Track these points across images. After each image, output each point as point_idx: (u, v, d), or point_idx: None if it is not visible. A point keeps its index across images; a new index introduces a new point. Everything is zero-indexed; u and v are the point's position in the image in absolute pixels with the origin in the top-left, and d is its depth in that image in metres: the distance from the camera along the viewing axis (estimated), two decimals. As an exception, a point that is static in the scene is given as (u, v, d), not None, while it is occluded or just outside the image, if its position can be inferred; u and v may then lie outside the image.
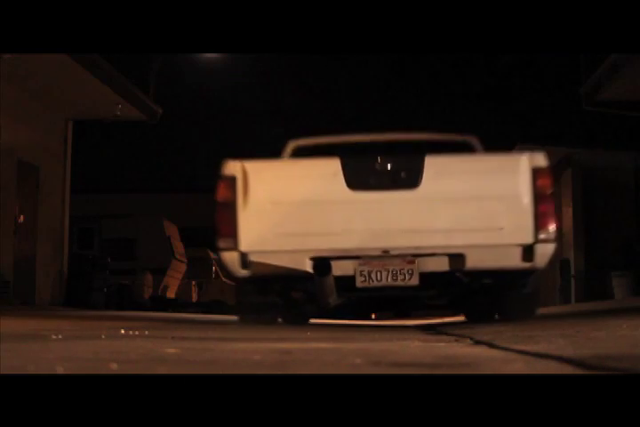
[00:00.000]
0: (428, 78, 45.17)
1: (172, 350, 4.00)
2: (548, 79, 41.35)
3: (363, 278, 7.21)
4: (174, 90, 35.95)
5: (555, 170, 23.72)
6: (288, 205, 7.28)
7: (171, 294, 25.05)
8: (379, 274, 7.17)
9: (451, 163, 7.38)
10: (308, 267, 7.19)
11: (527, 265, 7.18)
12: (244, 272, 7.30)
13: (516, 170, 7.21)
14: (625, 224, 21.22)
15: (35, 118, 17.22)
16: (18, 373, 2.68)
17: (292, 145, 9.10)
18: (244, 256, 7.26)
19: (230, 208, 7.26)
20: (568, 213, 22.37)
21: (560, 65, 34.74)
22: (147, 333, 6.21)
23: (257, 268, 7.22)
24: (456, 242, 7.15)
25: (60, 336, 5.22)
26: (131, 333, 6.12)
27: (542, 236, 7.14)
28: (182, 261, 25.70)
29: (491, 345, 4.39)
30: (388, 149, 8.25)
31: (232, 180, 7.28)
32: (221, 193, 7.37)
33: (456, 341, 5.30)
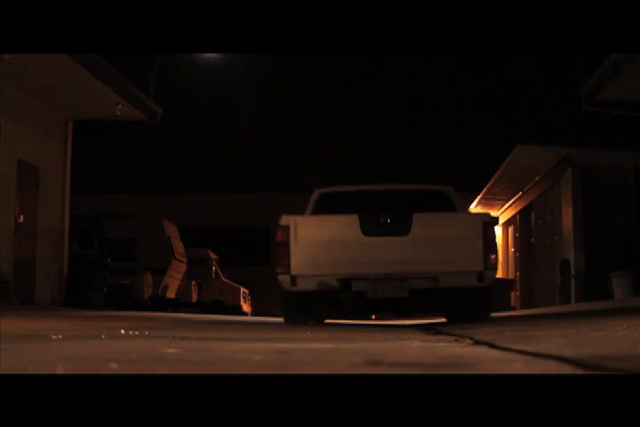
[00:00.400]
0: (429, 78, 45.18)
1: (171, 350, 4.00)
2: (548, 79, 41.34)
3: (372, 293, 10.62)
4: (174, 90, 35.95)
5: (554, 170, 23.74)
6: (322, 244, 10.71)
7: (171, 294, 25.05)
8: (382, 290, 10.61)
9: (430, 218, 10.94)
10: (335, 285, 10.60)
11: (480, 284, 10.64)
12: (293, 288, 10.65)
13: (473, 224, 10.80)
14: (625, 224, 21.22)
15: (35, 118, 17.22)
16: (18, 373, 2.68)
17: (317, 192, 12.11)
18: (293, 278, 10.65)
19: (285, 246, 10.69)
20: (568, 213, 22.38)
21: (560, 65, 34.74)
22: (147, 333, 6.22)
23: (301, 285, 10.65)
24: (433, 270, 10.61)
25: (60, 336, 5.22)
26: (131, 333, 6.12)
27: (488, 266, 10.64)
28: (182, 261, 25.69)
29: (491, 345, 4.39)
30: (388, 199, 11.82)
31: (286, 228, 10.71)
32: (279, 236, 10.75)
33: (456, 341, 5.30)
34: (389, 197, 11.95)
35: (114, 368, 2.93)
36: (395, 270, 10.63)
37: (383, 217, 10.76)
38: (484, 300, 10.88)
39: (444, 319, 11.71)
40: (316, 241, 10.72)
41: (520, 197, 29.33)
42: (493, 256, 10.75)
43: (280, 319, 11.43)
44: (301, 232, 10.70)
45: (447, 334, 6.65)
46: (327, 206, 11.66)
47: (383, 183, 12.76)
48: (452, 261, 10.61)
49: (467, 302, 10.85)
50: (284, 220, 10.73)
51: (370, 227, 10.74)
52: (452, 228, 10.80)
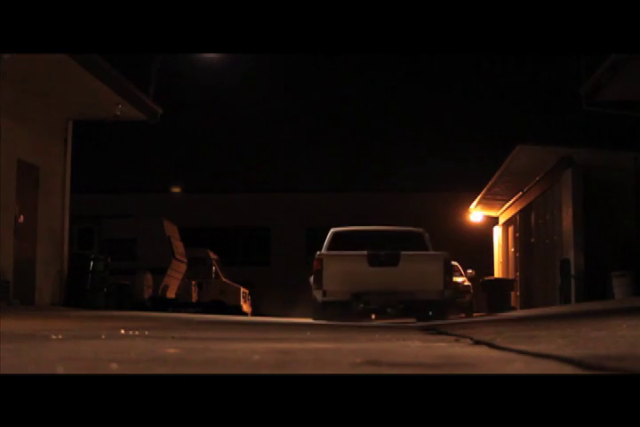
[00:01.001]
0: (429, 78, 45.18)
1: (171, 350, 4.01)
2: (548, 79, 41.35)
3: (373, 302, 16.73)
4: (174, 90, 35.95)
5: (554, 170, 23.73)
6: (343, 271, 16.59)
7: (171, 294, 25.05)
8: (380, 301, 16.71)
9: (411, 255, 16.78)
10: (350, 298, 16.60)
11: (440, 298, 16.47)
12: (324, 299, 16.50)
13: (437, 259, 16.75)
14: (625, 224, 21.21)
15: (35, 118, 17.22)
16: (18, 373, 2.69)
17: (332, 231, 18.07)
18: (324, 292, 16.52)
19: (319, 272, 16.60)
20: (568, 213, 22.38)
21: (560, 65, 34.73)
22: (147, 333, 6.22)
23: (329, 297, 16.48)
24: (411, 289, 16.44)
25: (59, 336, 5.22)
26: (131, 333, 6.12)
27: (447, 286, 16.57)
28: (182, 261, 25.68)
29: (491, 345, 4.39)
30: (382, 238, 17.97)
31: (320, 260, 16.68)
32: (315, 265, 16.65)
33: (456, 341, 5.30)
34: (382, 237, 18.23)
35: (114, 368, 2.93)
36: (388, 289, 16.54)
37: (382, 255, 16.75)
38: (443, 308, 16.90)
39: (414, 319, 16.88)
40: (339, 269, 16.68)
41: (520, 197, 29.33)
42: (449, 279, 16.97)
43: (280, 319, 14.12)
44: (329, 263, 16.71)
45: (447, 334, 6.65)
46: (339, 242, 17.73)
47: (378, 226, 20.53)
48: (424, 283, 16.60)
49: (431, 309, 16.81)
50: (319, 255, 16.90)
51: (373, 261, 16.70)
52: (424, 262, 16.89)
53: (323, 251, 17.22)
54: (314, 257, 16.77)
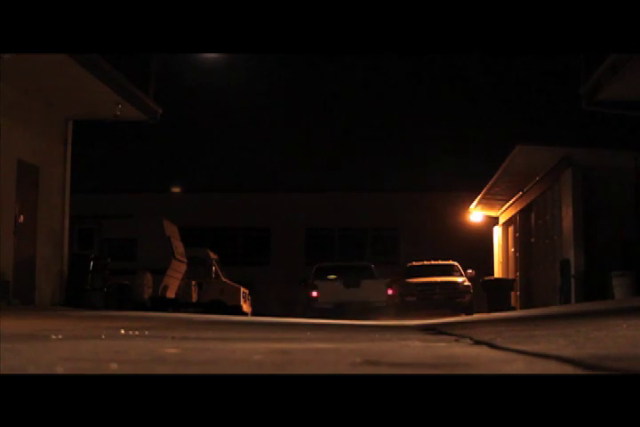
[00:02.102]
0: (429, 78, 45.17)
1: (172, 350, 4.01)
2: (548, 79, 41.33)
3: (347, 308, 28.14)
4: (174, 90, 35.94)
5: (554, 170, 23.73)
6: (329, 291, 29.44)
7: (171, 294, 25.03)
8: (350, 308, 28.16)
9: (367, 282, 29.73)
10: (333, 306, 29.09)
11: (385, 304, 29.67)
12: (317, 306, 29.16)
13: (381, 284, 30.00)
14: (625, 224, 21.21)
15: (35, 118, 17.22)
16: (18, 373, 2.69)
17: (316, 266, 30.81)
18: (318, 300, 29.75)
19: (317, 292, 29.88)
20: (568, 213, 22.38)
21: (560, 65, 34.72)
22: (147, 333, 6.22)
23: (320, 305, 29.11)
24: (368, 299, 29.22)
25: (59, 336, 5.22)
26: (131, 333, 6.13)
27: (386, 297, 29.99)
28: (182, 261, 25.66)
29: (491, 345, 4.39)
30: (349, 269, 30.88)
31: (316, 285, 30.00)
32: (310, 288, 29.89)
33: (456, 341, 5.30)
34: (349, 268, 30.65)
35: (114, 368, 2.93)
36: (355, 300, 28.44)
37: (351, 281, 29.24)
38: (386, 309, 28.19)
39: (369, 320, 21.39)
40: (326, 289, 28.92)
41: (520, 197, 29.33)
42: (390, 293, 29.12)
43: (281, 319, 14.46)
44: (320, 286, 29.09)
45: (447, 333, 6.65)
46: (322, 272, 30.20)
47: (344, 261, 33.02)
48: (375, 296, 28.92)
49: (378, 309, 27.77)
50: (313, 282, 29.38)
51: (347, 284, 29.04)
52: (374, 285, 29.18)
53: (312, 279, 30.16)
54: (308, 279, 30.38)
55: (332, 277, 29.85)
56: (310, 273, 30.74)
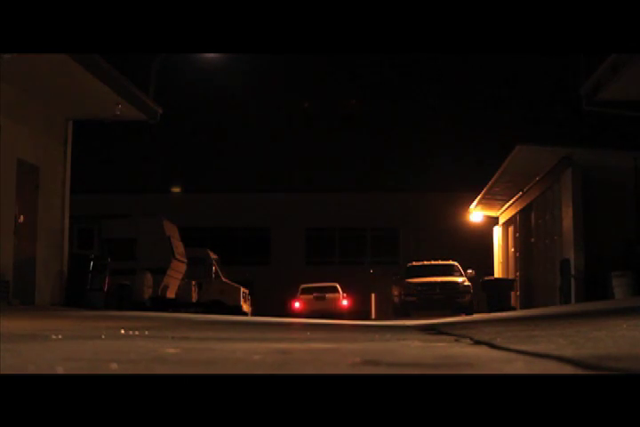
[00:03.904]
0: (429, 78, 45.17)
1: (171, 350, 4.01)
2: (548, 79, 41.33)
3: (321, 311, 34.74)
4: (174, 90, 35.94)
5: (554, 170, 23.73)
6: (308, 300, 37.43)
7: (171, 294, 25.03)
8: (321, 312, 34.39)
9: (331, 295, 37.58)
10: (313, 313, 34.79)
11: (342, 311, 35.85)
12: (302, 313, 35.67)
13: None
14: (625, 224, 21.21)
15: (35, 118, 17.22)
16: (18, 373, 2.69)
17: (301, 287, 37.20)
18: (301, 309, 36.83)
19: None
20: (568, 213, 22.38)
21: (560, 65, 34.71)
22: (147, 333, 6.22)
23: (302, 308, 36.81)
24: (331, 308, 36.22)
25: (59, 336, 5.22)
26: (131, 333, 6.13)
27: (345, 306, 38.19)
28: (182, 261, 25.67)
29: (491, 345, 4.39)
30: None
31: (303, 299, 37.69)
32: (299, 299, 37.85)
33: (456, 341, 5.30)
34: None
35: (114, 368, 2.93)
36: (322, 309, 34.81)
37: (319, 295, 37.11)
38: (345, 314, 33.85)
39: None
40: (306, 301, 36.71)
41: (520, 197, 29.33)
42: (344, 304, 37.11)
43: (281, 319, 14.51)
44: (303, 299, 36.93)
45: (447, 334, 6.65)
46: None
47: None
48: (335, 306, 36.09)
49: (341, 315, 32.48)
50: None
51: (316, 298, 36.88)
52: (335, 298, 36.92)
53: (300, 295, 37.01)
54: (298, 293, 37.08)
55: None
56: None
